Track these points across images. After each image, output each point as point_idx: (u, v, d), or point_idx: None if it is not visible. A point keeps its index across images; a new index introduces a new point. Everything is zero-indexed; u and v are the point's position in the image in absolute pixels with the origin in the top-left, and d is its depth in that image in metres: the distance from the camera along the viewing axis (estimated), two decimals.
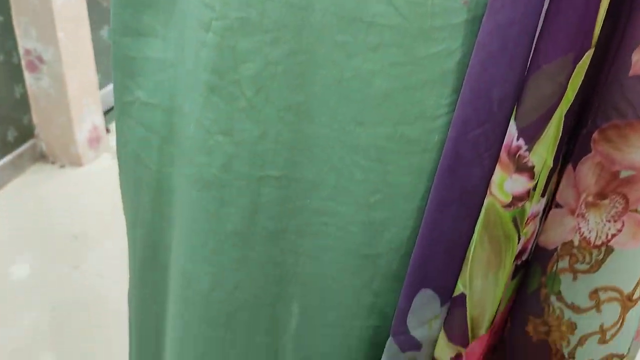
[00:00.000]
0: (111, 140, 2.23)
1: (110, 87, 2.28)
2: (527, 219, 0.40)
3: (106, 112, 2.28)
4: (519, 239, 0.40)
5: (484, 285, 0.42)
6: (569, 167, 0.43)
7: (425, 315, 0.47)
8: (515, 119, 0.37)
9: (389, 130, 0.42)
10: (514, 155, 0.37)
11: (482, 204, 0.42)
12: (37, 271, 1.64)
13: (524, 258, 0.47)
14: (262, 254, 0.48)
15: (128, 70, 0.50)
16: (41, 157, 2.07)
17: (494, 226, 0.40)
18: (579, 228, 0.43)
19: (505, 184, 0.38)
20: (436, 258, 0.44)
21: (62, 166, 2.07)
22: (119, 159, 0.59)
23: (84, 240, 1.77)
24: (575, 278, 0.44)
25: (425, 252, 0.44)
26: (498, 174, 0.39)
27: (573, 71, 0.37)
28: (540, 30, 0.36)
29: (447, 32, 0.39)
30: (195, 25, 0.43)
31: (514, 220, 0.39)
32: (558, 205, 0.44)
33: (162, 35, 0.47)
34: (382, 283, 0.48)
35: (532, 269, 0.47)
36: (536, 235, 0.46)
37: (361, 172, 0.43)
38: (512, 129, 0.37)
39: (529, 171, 0.38)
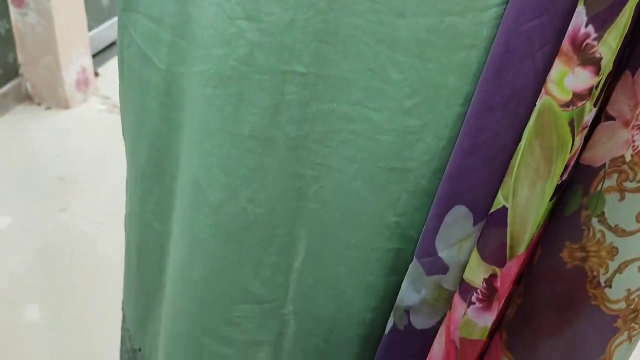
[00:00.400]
0: (100, 84, 2.15)
1: (99, 29, 2.19)
2: (582, 126, 0.36)
3: (94, 56, 2.20)
4: (572, 146, 0.37)
5: (529, 197, 0.38)
6: (626, 73, 0.39)
7: (455, 236, 0.43)
8: (584, 3, 0.33)
9: (433, 21, 0.37)
10: (579, 44, 0.33)
11: (532, 109, 0.38)
12: (21, 215, 1.59)
13: (563, 178, 0.43)
14: (281, 163, 0.43)
15: None
16: (26, 97, 2.00)
17: (547, 129, 0.36)
18: (633, 141, 0.39)
19: (566, 79, 0.34)
20: (474, 171, 0.40)
21: (48, 108, 2.00)
22: (120, 64, 0.54)
23: (71, 184, 1.71)
24: (622, 198, 0.41)
25: (462, 164, 0.41)
26: (558, 68, 0.35)
27: None
28: None
29: None
30: None
31: (571, 123, 0.36)
32: (609, 118, 0.40)
33: None
34: (408, 201, 0.45)
35: (573, 189, 0.43)
36: (579, 154, 0.43)
37: (398, 71, 0.39)
38: (580, 15, 0.33)
39: (595, 64, 0.34)
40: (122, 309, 0.73)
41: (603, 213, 0.42)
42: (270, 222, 0.46)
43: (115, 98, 2.11)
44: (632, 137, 0.39)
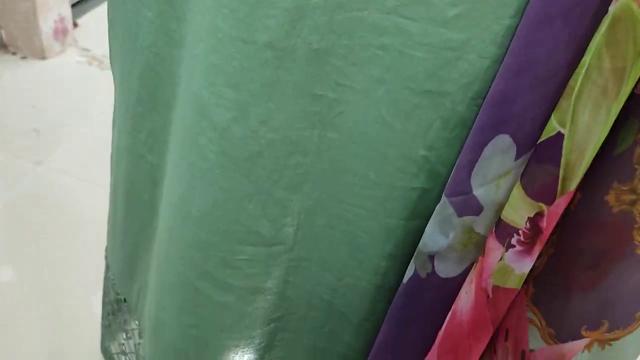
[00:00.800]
0: (79, 35, 2.05)
1: None
2: None
3: (74, 6, 2.09)
4: None
5: (590, 122, 0.33)
6: None
7: (493, 171, 0.38)
8: None
9: None
10: None
11: (599, 21, 0.32)
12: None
13: None
14: (300, 79, 0.38)
15: None
16: (1, 46, 1.89)
17: (623, 38, 0.31)
18: None
19: None
20: (522, 94, 0.35)
21: (24, 57, 1.90)
22: None
23: (47, 136, 1.63)
24: None
25: (509, 87, 0.35)
26: None
27: None
28: None
29: None
30: None
31: None
32: None
33: None
34: (441, 131, 0.39)
35: (626, 123, 0.38)
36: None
37: None
38: None
39: None
40: (106, 257, 0.67)
41: None
42: (282, 150, 0.40)
43: (95, 50, 2.01)
44: None
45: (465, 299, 0.42)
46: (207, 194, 0.42)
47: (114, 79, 0.55)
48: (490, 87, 0.37)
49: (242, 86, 0.37)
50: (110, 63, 0.55)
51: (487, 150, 0.37)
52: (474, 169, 0.38)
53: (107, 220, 0.63)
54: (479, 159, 0.38)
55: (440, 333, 0.44)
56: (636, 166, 0.39)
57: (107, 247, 0.66)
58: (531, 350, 0.45)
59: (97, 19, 2.17)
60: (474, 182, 0.39)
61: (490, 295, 0.40)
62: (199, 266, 0.46)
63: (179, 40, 0.41)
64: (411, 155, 0.40)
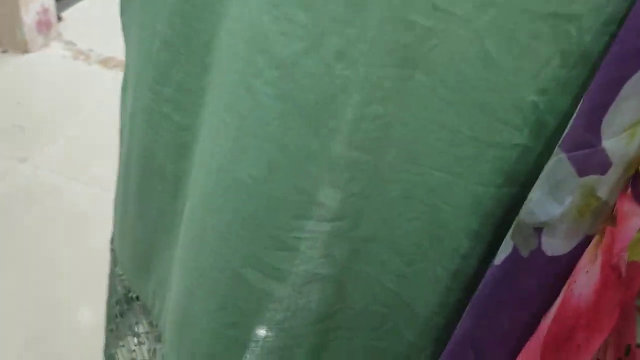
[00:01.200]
0: (63, 29, 1.95)
1: None
2: None
3: None
4: None
5: None
6: None
7: (630, 117, 0.31)
8: None
9: None
10: None
11: None
12: None
13: None
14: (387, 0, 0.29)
15: None
16: None
17: None
18: None
19: None
20: None
21: (5, 51, 1.79)
22: None
23: (32, 133, 1.53)
24: None
25: None
26: None
27: None
28: None
29: None
30: None
31: None
32: None
33: None
34: (558, 70, 0.31)
35: None
36: None
37: None
38: None
39: None
40: (112, 249, 0.58)
41: None
42: (360, 94, 0.32)
43: (81, 44, 1.91)
44: None
45: (586, 281, 0.34)
46: (261, 154, 0.34)
47: (124, 32, 0.46)
48: (629, 8, 0.29)
49: (320, 5, 0.29)
50: (121, 14, 0.46)
51: (629, 87, 0.30)
52: (607, 114, 0.30)
53: (113, 205, 0.54)
54: (614, 101, 0.30)
55: (545, 325, 0.36)
56: None
57: (112, 236, 0.57)
58: (638, 346, 0.37)
59: (82, 12, 2.07)
60: (605, 131, 0.31)
61: (624, 274, 0.32)
62: (244, 247, 0.37)
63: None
64: (519, 101, 0.33)
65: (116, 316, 0.61)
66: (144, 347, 0.56)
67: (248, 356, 0.44)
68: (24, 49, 1.78)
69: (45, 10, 1.82)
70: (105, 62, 1.80)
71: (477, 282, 0.39)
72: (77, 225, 1.25)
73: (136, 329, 0.57)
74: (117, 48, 0.74)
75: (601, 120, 0.31)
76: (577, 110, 0.32)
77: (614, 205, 0.33)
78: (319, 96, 0.32)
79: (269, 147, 0.34)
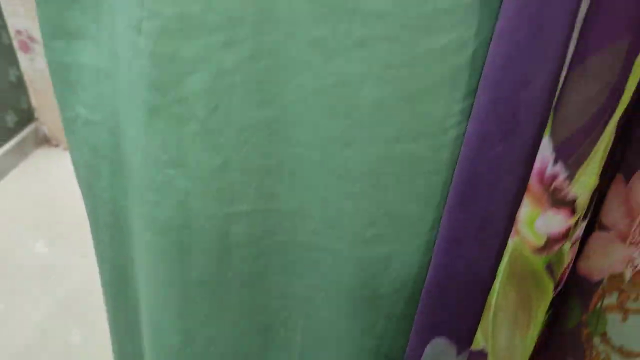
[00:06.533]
0: None
1: None
2: (566, 263, 0.31)
3: None
4: (556, 287, 0.31)
5: (509, 344, 0.33)
6: (618, 177, 0.33)
7: None
8: (550, 133, 0.28)
9: (384, 150, 0.32)
10: (548, 186, 0.28)
11: (505, 240, 0.33)
12: (50, 258, 1.59)
13: (558, 289, 0.38)
14: (237, 304, 0.39)
15: (65, 81, 0.40)
16: (44, 140, 2.01)
17: (521, 276, 0.31)
18: (632, 259, 0.34)
19: (537, 222, 0.29)
20: (449, 303, 0.36)
21: (66, 148, 2.00)
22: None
23: None
24: (625, 318, 0.36)
25: (436, 296, 0.36)
26: (527, 208, 0.29)
27: (631, 64, 0.26)
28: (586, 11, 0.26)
29: (457, 16, 0.29)
30: (125, 25, 0.33)
31: (549, 268, 0.30)
32: (603, 227, 0.35)
33: (94, 36, 0.37)
34: (386, 326, 0.40)
35: (570, 304, 0.38)
36: (573, 261, 0.37)
37: (352, 202, 0.35)
38: (546, 148, 0.28)
39: (569, 206, 0.28)
40: None
41: (605, 333, 0.37)
42: (237, 357, 0.42)
43: None
44: (632, 254, 0.34)
45: None
46: None
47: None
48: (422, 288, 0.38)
49: (187, 315, 0.40)
50: None
51: (429, 350, 0.38)
52: None
53: None
54: (423, 357, 0.38)
55: None
56: (585, 346, 0.38)
57: None
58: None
59: None
60: None
61: None
62: None
63: (133, 260, 0.44)
64: (364, 346, 0.41)
65: None
66: None
67: None
68: None
69: None
70: None
71: None
72: None
73: None
74: None
75: None
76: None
77: None
78: None
79: None
